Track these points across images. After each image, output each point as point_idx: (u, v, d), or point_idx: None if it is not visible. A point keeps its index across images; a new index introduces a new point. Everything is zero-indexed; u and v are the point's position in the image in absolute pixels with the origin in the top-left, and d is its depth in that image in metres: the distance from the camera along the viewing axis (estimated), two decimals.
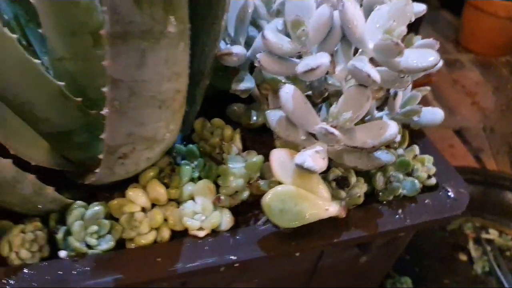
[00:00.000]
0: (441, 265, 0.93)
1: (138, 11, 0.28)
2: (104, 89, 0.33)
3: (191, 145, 0.48)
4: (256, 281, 0.52)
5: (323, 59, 0.40)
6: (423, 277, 0.90)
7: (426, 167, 0.53)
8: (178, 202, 0.45)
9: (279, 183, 0.44)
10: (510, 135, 1.32)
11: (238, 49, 0.45)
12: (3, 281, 0.37)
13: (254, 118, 0.51)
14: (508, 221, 1.01)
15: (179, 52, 0.33)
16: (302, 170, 0.41)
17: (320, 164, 0.41)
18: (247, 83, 0.47)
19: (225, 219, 0.43)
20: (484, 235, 0.98)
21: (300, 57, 0.45)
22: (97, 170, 0.41)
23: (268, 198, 0.41)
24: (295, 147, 0.46)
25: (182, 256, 0.41)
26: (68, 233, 0.40)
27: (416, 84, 0.53)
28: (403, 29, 0.40)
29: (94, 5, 0.36)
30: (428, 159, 0.54)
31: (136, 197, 0.42)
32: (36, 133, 0.42)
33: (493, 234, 0.99)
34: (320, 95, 0.48)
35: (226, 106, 0.56)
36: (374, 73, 0.39)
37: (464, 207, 0.50)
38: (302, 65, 0.40)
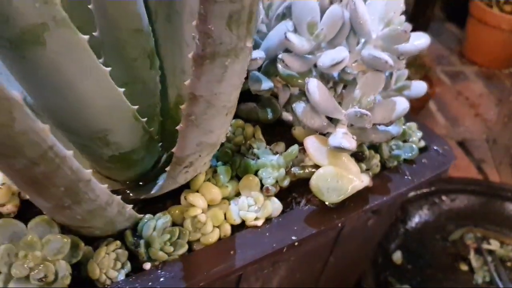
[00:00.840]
0: (442, 275, 0.93)
1: (228, 32, 0.32)
2: (182, 107, 0.36)
3: (221, 148, 0.52)
4: (293, 258, 0.57)
5: (344, 52, 0.46)
6: (424, 287, 0.91)
7: (414, 132, 0.62)
8: (228, 199, 0.49)
9: (314, 166, 0.50)
10: None
11: (259, 54, 0.50)
12: None
13: (271, 114, 0.55)
14: (510, 232, 1.02)
15: (246, 63, 0.37)
16: (338, 151, 0.48)
17: (353, 143, 0.47)
18: (267, 83, 0.51)
19: (276, 207, 0.48)
20: (485, 246, 0.99)
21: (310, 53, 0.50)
22: (159, 182, 0.44)
23: (315, 181, 0.47)
24: (312, 134, 0.52)
25: (251, 245, 0.45)
26: (146, 245, 0.42)
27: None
28: (402, 18, 0.48)
29: (150, 30, 0.39)
30: (414, 125, 0.63)
31: (197, 201, 0.45)
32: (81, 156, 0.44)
33: (494, 244, 1.00)
34: (328, 84, 0.54)
35: None
36: (390, 60, 0.46)
37: (453, 159, 0.60)
38: (327, 60, 0.46)
